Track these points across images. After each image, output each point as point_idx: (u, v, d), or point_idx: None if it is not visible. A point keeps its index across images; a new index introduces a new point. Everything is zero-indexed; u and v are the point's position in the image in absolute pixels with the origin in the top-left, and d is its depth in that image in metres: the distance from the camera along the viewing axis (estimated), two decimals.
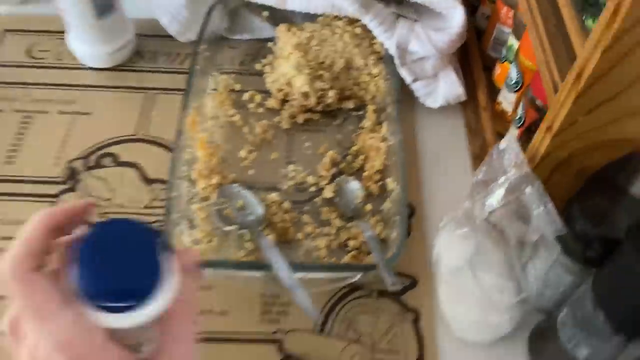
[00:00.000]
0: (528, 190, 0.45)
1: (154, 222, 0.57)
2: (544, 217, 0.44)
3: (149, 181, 0.60)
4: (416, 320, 0.53)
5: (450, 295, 0.53)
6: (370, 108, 0.65)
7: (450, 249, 0.53)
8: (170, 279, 0.29)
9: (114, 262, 0.28)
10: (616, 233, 0.41)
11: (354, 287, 0.55)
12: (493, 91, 0.65)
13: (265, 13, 0.71)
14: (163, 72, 0.70)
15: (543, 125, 0.45)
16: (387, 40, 0.63)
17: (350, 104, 0.67)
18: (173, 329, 0.30)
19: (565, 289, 0.48)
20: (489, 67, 0.67)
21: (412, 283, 0.56)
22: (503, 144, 0.48)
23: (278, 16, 0.70)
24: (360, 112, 0.66)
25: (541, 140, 0.46)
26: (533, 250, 0.48)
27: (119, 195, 0.59)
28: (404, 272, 0.56)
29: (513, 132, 0.55)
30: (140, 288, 0.27)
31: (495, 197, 0.47)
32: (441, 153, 0.65)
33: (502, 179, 0.46)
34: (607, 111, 0.42)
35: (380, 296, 0.55)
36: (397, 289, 0.53)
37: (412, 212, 0.60)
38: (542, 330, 0.51)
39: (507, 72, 0.60)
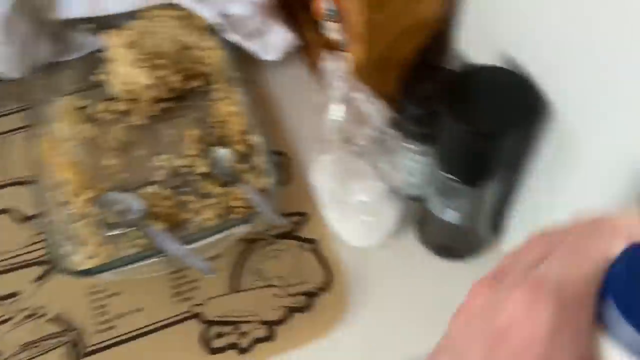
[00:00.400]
0: (358, 96, 0.49)
1: (40, 256, 0.57)
2: (377, 114, 0.49)
3: (26, 219, 0.60)
4: (315, 249, 0.57)
5: (336, 215, 0.57)
6: (216, 79, 0.67)
7: (322, 175, 0.57)
8: None
9: None
10: None
11: (252, 240, 0.58)
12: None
13: (88, 26, 0.71)
14: (9, 114, 0.69)
15: (351, 36, 0.50)
16: (206, 11, 0.66)
17: (197, 82, 0.68)
18: None
19: (423, 171, 0.53)
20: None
21: (304, 218, 0.59)
22: (327, 64, 0.52)
23: (101, 25, 0.70)
24: (209, 86, 0.68)
25: (354, 50, 0.50)
26: (383, 147, 0.52)
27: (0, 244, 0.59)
28: (295, 211, 0.60)
29: (338, 54, 0.59)
30: None
31: (336, 112, 0.51)
32: (296, 97, 0.69)
33: (335, 95, 0.50)
34: (394, 3, 0.46)
35: (278, 239, 0.58)
36: (285, 225, 0.57)
37: (285, 158, 0.63)
38: (421, 213, 0.56)
39: (322, 5, 0.64)
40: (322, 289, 0.55)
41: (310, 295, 0.55)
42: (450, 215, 0.51)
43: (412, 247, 0.57)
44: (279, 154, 0.64)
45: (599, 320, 0.21)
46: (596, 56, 0.36)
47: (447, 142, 0.45)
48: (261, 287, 0.55)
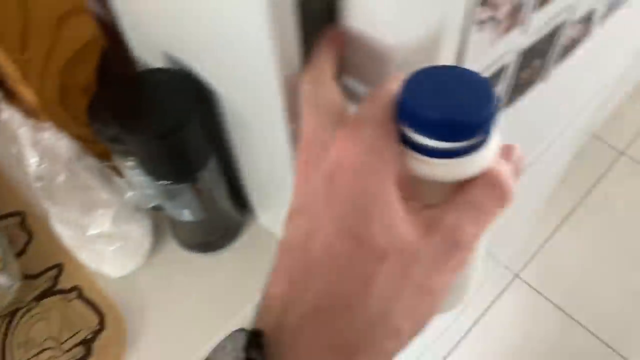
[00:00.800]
0: (47, 135, 0.48)
1: None
2: (69, 147, 0.48)
3: None
4: (81, 295, 0.56)
5: (87, 254, 0.55)
6: None
7: (59, 221, 0.55)
8: (495, 142, 0.27)
9: (446, 94, 0.25)
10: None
11: (10, 313, 0.54)
12: None
13: None
14: None
15: (15, 81, 0.48)
16: None
17: None
18: (475, 198, 0.26)
19: (147, 182, 0.53)
20: None
21: (60, 269, 0.57)
22: (6, 113, 0.49)
23: None
24: None
25: (25, 93, 0.48)
26: (101, 173, 0.52)
27: None
28: (49, 266, 0.57)
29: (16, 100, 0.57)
30: (470, 126, 0.25)
31: (33, 159, 0.49)
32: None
33: (23, 142, 0.48)
34: (36, 40, 0.45)
35: (39, 300, 0.55)
36: (37, 285, 0.55)
37: (23, 217, 0.60)
38: (169, 221, 0.57)
39: None
40: (97, 331, 0.54)
41: (87, 342, 0.53)
42: (188, 215, 0.52)
43: (175, 254, 0.58)
44: (16, 214, 0.60)
45: (403, 139, 0.27)
46: (226, 45, 0.38)
47: (139, 151, 0.46)
48: (35, 355, 0.52)
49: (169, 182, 0.48)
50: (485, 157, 0.27)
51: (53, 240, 0.58)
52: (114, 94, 0.49)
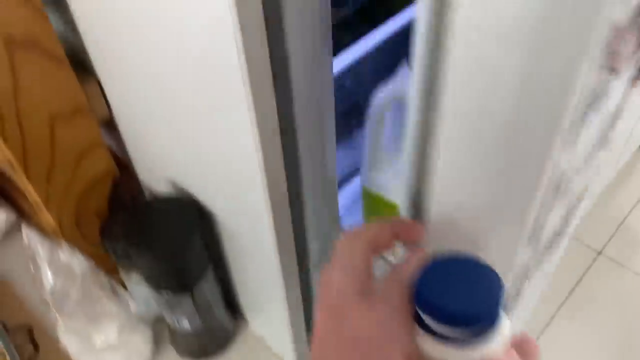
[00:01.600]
0: (62, 254, 0.54)
1: None
2: (82, 264, 0.54)
3: None
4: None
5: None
6: None
7: (66, 333, 0.59)
8: (504, 333, 0.28)
9: (456, 283, 0.28)
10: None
11: None
12: None
13: None
14: None
15: (37, 206, 0.55)
16: None
17: None
18: None
19: (150, 294, 0.59)
20: None
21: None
22: (28, 232, 0.56)
23: None
24: None
25: (45, 218, 0.55)
26: (108, 287, 0.58)
27: None
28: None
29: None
30: (480, 318, 0.27)
31: (49, 275, 0.55)
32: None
33: (40, 260, 0.55)
34: (58, 174, 0.53)
35: None
36: None
37: (33, 331, 0.65)
38: (168, 330, 0.62)
39: None
40: None
41: None
42: (186, 323, 0.57)
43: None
44: (24, 327, 0.65)
45: (417, 321, 0.29)
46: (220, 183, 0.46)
47: (146, 267, 0.52)
48: None
49: (170, 294, 0.53)
50: (491, 347, 0.28)
51: (58, 352, 0.62)
52: (126, 217, 0.56)
